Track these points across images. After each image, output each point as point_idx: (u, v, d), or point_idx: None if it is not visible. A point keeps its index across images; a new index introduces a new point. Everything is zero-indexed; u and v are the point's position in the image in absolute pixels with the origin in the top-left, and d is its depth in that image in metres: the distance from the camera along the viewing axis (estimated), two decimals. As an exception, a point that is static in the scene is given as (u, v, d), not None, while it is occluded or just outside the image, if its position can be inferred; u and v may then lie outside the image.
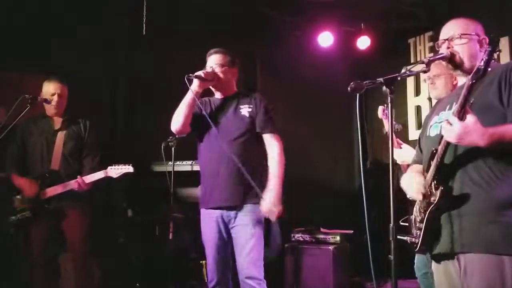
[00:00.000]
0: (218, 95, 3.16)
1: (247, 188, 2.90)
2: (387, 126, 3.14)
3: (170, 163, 3.74)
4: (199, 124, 3.03)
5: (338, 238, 4.25)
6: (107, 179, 3.49)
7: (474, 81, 1.77)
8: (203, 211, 3.05)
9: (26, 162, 3.58)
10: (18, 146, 3.60)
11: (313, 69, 5.23)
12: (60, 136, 3.60)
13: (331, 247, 4.16)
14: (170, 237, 3.75)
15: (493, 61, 2.08)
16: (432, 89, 3.23)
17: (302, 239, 4.38)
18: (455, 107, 1.82)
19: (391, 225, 1.95)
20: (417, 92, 5.31)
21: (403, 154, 3.15)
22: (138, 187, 4.35)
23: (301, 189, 5.06)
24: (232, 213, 2.93)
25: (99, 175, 3.46)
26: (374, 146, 5.74)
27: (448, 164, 1.94)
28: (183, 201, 3.99)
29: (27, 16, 4.06)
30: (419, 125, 5.23)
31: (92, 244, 3.59)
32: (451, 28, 2.14)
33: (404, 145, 3.26)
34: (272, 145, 3.02)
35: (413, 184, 2.06)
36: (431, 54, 5.10)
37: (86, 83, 4.02)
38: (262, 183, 2.94)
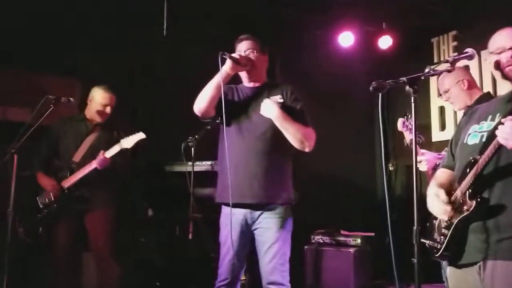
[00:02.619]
0: (247, 83, 2.96)
1: (275, 186, 2.76)
2: (408, 138, 3.09)
3: (189, 163, 3.74)
4: (226, 111, 2.74)
5: (359, 240, 4.20)
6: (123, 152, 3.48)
7: None
8: (225, 209, 2.86)
9: (56, 160, 3.65)
10: (48, 145, 3.67)
11: (333, 69, 5.18)
12: (91, 137, 3.66)
13: (352, 250, 4.11)
14: (190, 237, 3.75)
15: None
16: (451, 104, 3.20)
17: (322, 241, 4.34)
18: None
19: (415, 228, 1.91)
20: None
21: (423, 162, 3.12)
22: (158, 187, 4.37)
23: (321, 191, 5.02)
24: (257, 213, 2.76)
25: (115, 149, 3.46)
26: (396, 148, 5.65)
27: (488, 174, 1.89)
28: (203, 201, 3.99)
29: (52, 17, 4.12)
30: (443, 126, 5.13)
31: (114, 242, 3.63)
32: (502, 41, 2.04)
33: (425, 152, 3.22)
34: (308, 140, 2.79)
35: (439, 204, 2.01)
36: (455, 54, 5.00)
37: (106, 82, 4.05)
38: (286, 183, 2.81)
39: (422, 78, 1.98)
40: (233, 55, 2.78)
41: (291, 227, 2.82)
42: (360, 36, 5.17)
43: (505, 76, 2.00)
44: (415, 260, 1.89)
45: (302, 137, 2.79)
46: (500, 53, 2.01)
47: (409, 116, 3.11)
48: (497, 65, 2.00)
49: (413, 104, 1.94)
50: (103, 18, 4.23)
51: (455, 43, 5.06)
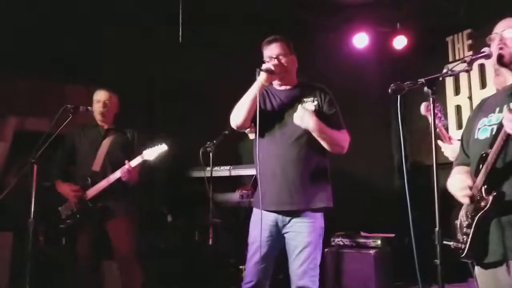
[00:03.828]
0: (278, 86, 2.88)
1: (313, 193, 2.71)
2: (432, 122, 2.99)
3: (208, 168, 3.75)
4: (262, 120, 2.69)
5: (379, 242, 4.17)
6: (145, 163, 3.46)
7: None
8: (256, 212, 2.82)
9: (74, 169, 3.66)
10: (64, 154, 3.69)
11: (348, 71, 5.18)
12: (106, 143, 3.65)
13: (372, 251, 4.08)
14: (210, 242, 3.76)
15: None
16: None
17: (342, 243, 4.32)
18: None
19: (437, 229, 1.90)
20: (457, 91, 5.17)
21: (455, 150, 3.01)
22: (177, 192, 4.40)
23: (339, 193, 4.99)
24: (288, 218, 2.72)
25: (137, 160, 3.45)
26: (413, 147, 5.62)
27: (500, 168, 1.87)
28: (222, 206, 4.01)
29: (70, 28, 4.18)
30: (460, 125, 5.08)
31: (136, 248, 3.62)
32: (503, 25, 2.08)
33: (456, 141, 3.12)
34: (344, 141, 2.79)
35: (460, 187, 1.98)
36: (471, 53, 4.98)
37: (124, 91, 4.10)
38: (324, 188, 2.77)
39: (440, 78, 1.97)
40: (267, 66, 2.73)
41: (322, 232, 2.78)
42: (375, 37, 5.17)
43: (501, 62, 2.01)
44: (437, 262, 1.87)
45: (338, 142, 2.77)
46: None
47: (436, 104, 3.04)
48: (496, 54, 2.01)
49: (431, 105, 1.93)
50: (119, 26, 4.28)
51: (470, 41, 5.03)
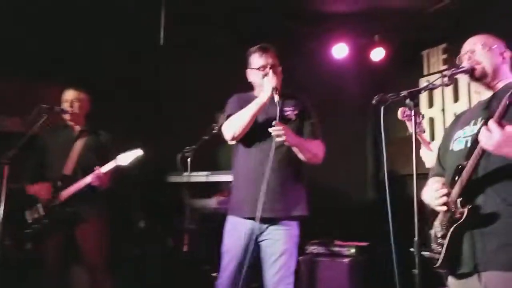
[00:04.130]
0: (258, 93, 2.88)
1: (289, 201, 2.76)
2: (410, 127, 3.07)
3: (185, 173, 3.73)
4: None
5: (353, 250, 4.20)
6: (119, 168, 3.41)
7: None
8: (232, 219, 2.84)
9: (44, 172, 3.57)
10: (36, 156, 3.60)
11: (327, 80, 5.23)
12: (78, 145, 3.58)
13: (346, 260, 4.11)
14: (185, 249, 3.73)
15: None
16: None
17: (317, 252, 4.33)
18: (496, 115, 1.79)
19: (416, 239, 1.93)
20: (431, 103, 5.27)
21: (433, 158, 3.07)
22: (152, 198, 4.35)
23: (314, 201, 5.02)
24: (264, 225, 2.75)
25: (111, 165, 3.39)
26: (388, 157, 5.70)
27: (476, 181, 1.92)
28: (198, 212, 3.98)
29: (48, 26, 4.09)
30: (433, 137, 5.18)
31: (107, 255, 3.57)
32: (473, 42, 2.16)
33: (435, 148, 3.17)
34: (319, 152, 2.90)
35: (436, 196, 2.04)
36: (445, 67, 5.10)
37: (103, 94, 4.04)
38: (302, 196, 2.82)
39: (423, 92, 2.02)
40: (273, 85, 2.74)
41: (298, 240, 2.83)
42: (354, 48, 5.23)
43: (475, 77, 2.08)
44: (416, 271, 1.90)
45: (314, 153, 2.86)
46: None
47: (417, 110, 3.09)
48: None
49: (413, 117, 1.98)
50: (100, 27, 4.22)
51: (444, 56, 5.14)
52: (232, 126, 2.80)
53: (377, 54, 5.21)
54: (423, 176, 2.52)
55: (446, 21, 4.97)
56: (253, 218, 2.72)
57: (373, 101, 1.98)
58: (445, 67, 5.09)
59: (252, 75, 2.95)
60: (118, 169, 3.43)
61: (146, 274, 4.26)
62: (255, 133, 2.80)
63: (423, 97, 5.33)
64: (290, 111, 2.84)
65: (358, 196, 5.73)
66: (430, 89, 2.08)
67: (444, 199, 2.00)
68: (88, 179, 3.39)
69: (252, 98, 2.87)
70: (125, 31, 4.25)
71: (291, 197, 2.77)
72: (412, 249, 1.95)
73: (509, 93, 1.74)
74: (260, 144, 2.80)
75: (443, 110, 5.12)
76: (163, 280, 4.26)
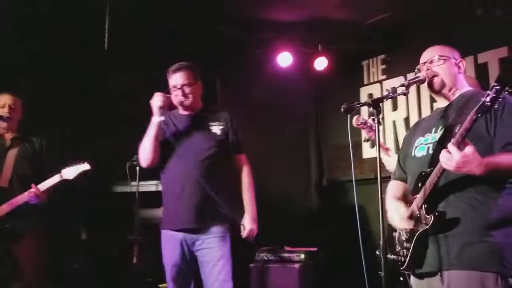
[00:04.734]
0: (182, 111, 3.04)
1: (214, 210, 2.85)
2: (367, 134, 3.20)
3: (133, 183, 3.62)
4: (164, 142, 2.94)
5: (302, 256, 4.26)
6: (63, 182, 3.25)
7: (479, 115, 1.82)
8: (165, 233, 2.95)
9: None
10: None
11: (272, 88, 5.28)
12: (11, 154, 3.35)
13: (296, 265, 4.16)
14: (134, 260, 3.61)
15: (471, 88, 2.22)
16: None
17: (267, 258, 4.35)
18: (455, 138, 1.88)
19: (381, 242, 1.99)
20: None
21: (394, 162, 3.20)
22: (96, 208, 4.17)
23: (261, 208, 5.04)
24: (196, 235, 2.85)
25: (54, 179, 3.21)
26: (330, 164, 5.85)
27: (440, 188, 2.02)
28: (146, 222, 3.86)
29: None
30: (373, 143, 5.26)
31: (45, 269, 3.38)
32: (429, 53, 2.26)
33: (394, 154, 3.31)
34: (245, 167, 3.04)
35: (399, 217, 2.15)
36: (384, 76, 5.31)
37: (42, 99, 3.82)
38: (230, 203, 2.91)
39: (385, 100, 2.10)
40: (156, 104, 2.86)
41: (230, 244, 2.92)
42: (298, 56, 5.33)
43: (434, 90, 2.20)
44: (382, 273, 1.96)
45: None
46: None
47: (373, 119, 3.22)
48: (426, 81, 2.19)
49: (376, 125, 2.04)
50: (43, 28, 4.00)
51: (383, 66, 5.38)
52: (141, 155, 2.93)
53: (321, 63, 5.34)
54: (370, 181, 2.61)
55: (384, 33, 5.22)
56: (183, 230, 2.84)
57: (341, 109, 2.03)
58: (384, 77, 5.33)
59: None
60: (61, 183, 3.26)
61: (91, 286, 4.08)
62: (178, 147, 2.91)
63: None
64: (215, 126, 2.97)
65: (303, 203, 5.83)
66: (391, 97, 2.16)
67: (411, 224, 2.08)
68: (25, 196, 3.19)
69: (170, 115, 3.03)
70: (70, 36, 4.06)
71: (217, 206, 2.85)
72: (378, 252, 2.01)
73: (475, 109, 1.82)
74: (185, 157, 2.90)
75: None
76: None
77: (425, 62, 2.23)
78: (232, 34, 5.00)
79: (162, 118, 2.89)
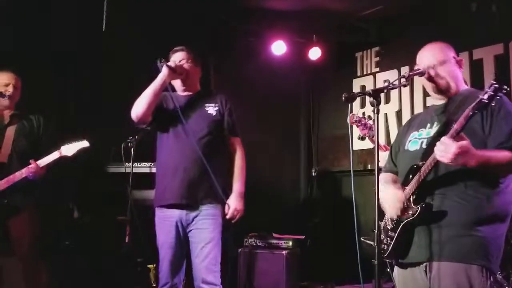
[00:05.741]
0: (180, 92, 3.10)
1: (209, 188, 2.89)
2: (361, 132, 3.24)
3: (127, 164, 3.63)
4: (162, 117, 2.97)
5: (290, 243, 4.33)
6: (63, 160, 3.28)
7: (475, 111, 1.87)
8: (159, 212, 2.97)
9: None
10: None
11: (265, 77, 5.30)
12: (10, 131, 3.37)
13: (284, 252, 4.23)
14: (126, 240, 3.64)
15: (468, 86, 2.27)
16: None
17: (255, 244, 4.42)
18: (450, 132, 1.93)
19: (376, 231, 2.03)
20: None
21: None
22: (90, 188, 4.18)
23: (250, 196, 5.08)
24: (192, 215, 2.88)
25: (53, 156, 3.25)
26: (320, 155, 5.92)
27: (429, 181, 2.08)
28: (139, 203, 3.88)
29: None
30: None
31: (39, 245, 3.40)
32: (430, 54, 2.25)
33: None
34: (238, 148, 3.08)
35: (394, 203, 2.15)
36: (378, 69, 5.37)
37: (37, 80, 3.80)
38: (223, 184, 2.94)
39: (385, 91, 2.14)
40: (169, 63, 2.94)
41: (221, 228, 2.95)
42: (292, 46, 5.35)
43: (439, 90, 2.23)
44: (375, 262, 2.00)
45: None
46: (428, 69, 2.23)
47: (367, 117, 3.31)
48: (431, 79, 2.21)
49: (376, 115, 2.09)
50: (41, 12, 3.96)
51: (377, 59, 5.43)
52: (135, 105, 2.92)
53: (314, 53, 5.38)
54: (355, 173, 2.65)
55: (379, 26, 5.26)
56: (176, 206, 2.87)
57: (342, 98, 2.06)
58: (377, 69, 5.38)
59: None
60: (61, 160, 3.27)
61: (78, 265, 4.10)
62: (175, 125, 2.95)
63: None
64: (210, 107, 3.01)
65: (292, 191, 5.89)
66: (391, 88, 2.20)
67: (401, 206, 2.11)
68: (24, 172, 3.22)
69: (170, 95, 3.05)
70: (65, 14, 4.03)
71: (211, 185, 2.88)
72: (362, 239, 2.06)
73: (472, 104, 1.87)
74: (181, 136, 2.94)
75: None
76: (95, 271, 4.12)
77: (428, 67, 2.22)
78: (227, 21, 4.99)
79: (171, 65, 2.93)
